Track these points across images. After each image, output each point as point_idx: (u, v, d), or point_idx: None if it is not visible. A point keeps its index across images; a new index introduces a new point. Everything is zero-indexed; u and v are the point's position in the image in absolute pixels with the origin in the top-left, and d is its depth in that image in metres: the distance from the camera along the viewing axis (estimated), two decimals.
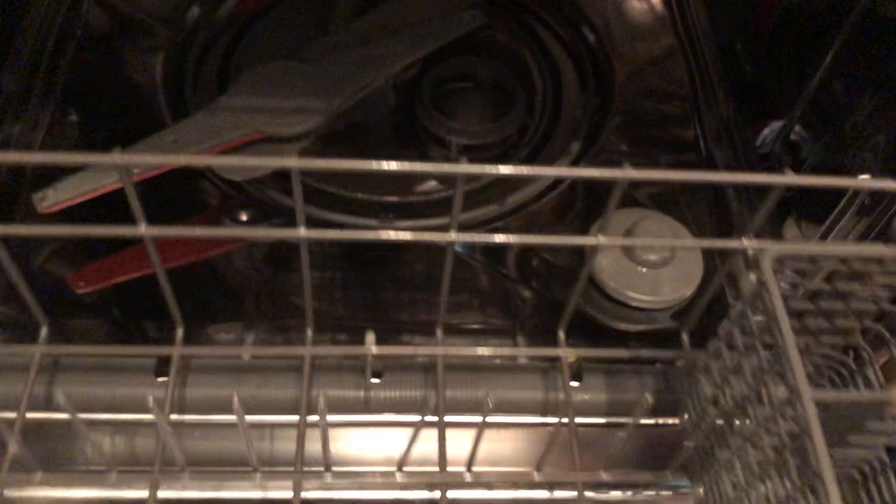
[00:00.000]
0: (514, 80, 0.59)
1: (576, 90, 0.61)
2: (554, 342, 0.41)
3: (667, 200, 0.53)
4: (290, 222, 0.52)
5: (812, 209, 0.47)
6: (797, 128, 0.58)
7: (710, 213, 0.52)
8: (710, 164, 0.54)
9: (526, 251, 0.51)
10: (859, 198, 0.41)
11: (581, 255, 0.48)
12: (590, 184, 0.54)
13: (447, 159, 0.57)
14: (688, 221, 0.51)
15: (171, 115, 0.55)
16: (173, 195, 0.52)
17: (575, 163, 0.56)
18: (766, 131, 0.57)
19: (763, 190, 0.29)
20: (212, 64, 0.59)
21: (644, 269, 0.48)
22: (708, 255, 0.50)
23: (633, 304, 0.48)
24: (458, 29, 0.55)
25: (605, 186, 0.30)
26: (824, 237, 0.44)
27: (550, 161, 0.56)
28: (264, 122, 0.48)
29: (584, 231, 0.52)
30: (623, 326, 0.48)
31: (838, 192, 0.43)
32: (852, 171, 0.51)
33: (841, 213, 0.42)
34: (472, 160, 0.57)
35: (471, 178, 0.55)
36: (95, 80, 0.58)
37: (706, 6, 0.60)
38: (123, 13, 0.60)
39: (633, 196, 0.53)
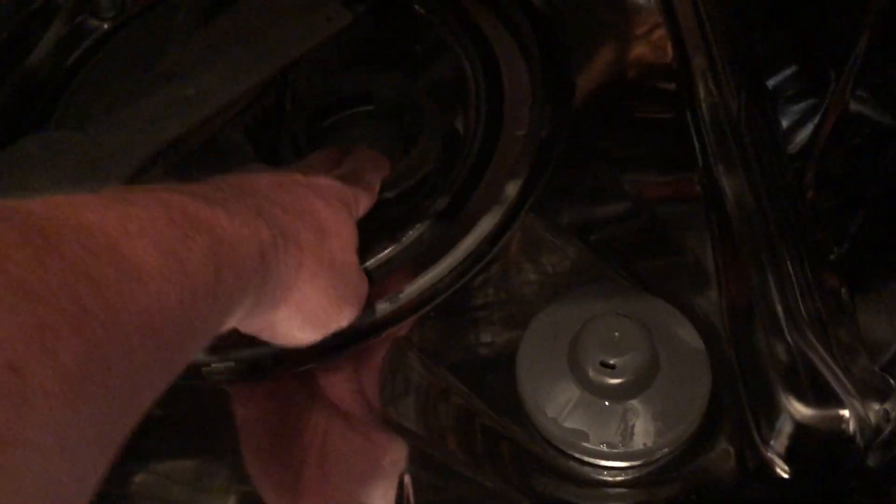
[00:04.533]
0: (424, 98, 0.40)
1: (523, 94, 0.42)
2: None
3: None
4: None
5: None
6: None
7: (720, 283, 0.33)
8: (715, 195, 0.34)
9: None
10: None
11: None
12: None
13: None
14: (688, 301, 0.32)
15: None
16: None
17: (513, 212, 0.37)
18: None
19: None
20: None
21: (609, 403, 0.30)
22: (718, 357, 0.31)
23: (588, 460, 0.30)
24: (316, 35, 0.37)
25: None
26: None
27: (478, 216, 0.37)
28: None
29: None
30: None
31: None
32: None
33: None
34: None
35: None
36: None
37: None
38: None
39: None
